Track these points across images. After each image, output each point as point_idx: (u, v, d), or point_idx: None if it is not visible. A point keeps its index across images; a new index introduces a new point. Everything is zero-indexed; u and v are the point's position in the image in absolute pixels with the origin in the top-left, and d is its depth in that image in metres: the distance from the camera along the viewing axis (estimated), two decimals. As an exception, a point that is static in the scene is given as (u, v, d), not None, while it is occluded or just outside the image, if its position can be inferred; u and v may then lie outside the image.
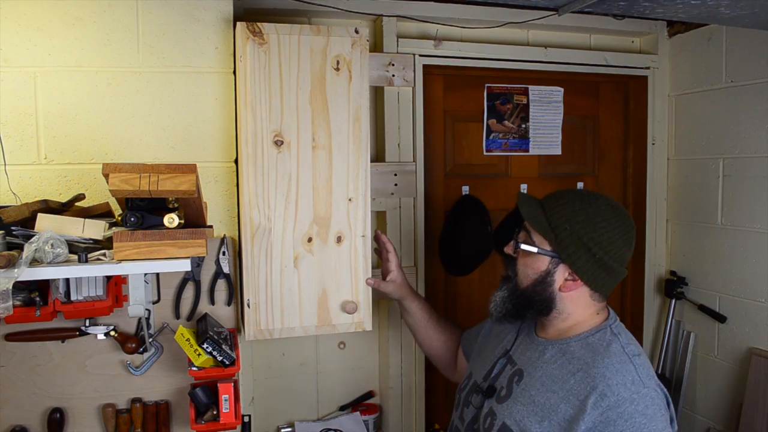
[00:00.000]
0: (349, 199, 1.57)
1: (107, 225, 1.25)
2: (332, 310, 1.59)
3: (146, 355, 1.56)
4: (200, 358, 1.45)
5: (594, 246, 1.20)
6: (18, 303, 1.32)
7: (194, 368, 1.47)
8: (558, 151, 2.33)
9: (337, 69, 1.54)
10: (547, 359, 1.24)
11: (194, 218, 1.31)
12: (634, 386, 1.12)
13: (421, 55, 2.03)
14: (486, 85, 2.22)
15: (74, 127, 1.52)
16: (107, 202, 1.42)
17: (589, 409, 1.10)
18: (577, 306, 1.25)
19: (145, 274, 1.45)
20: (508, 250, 1.32)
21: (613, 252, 1.22)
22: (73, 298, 1.35)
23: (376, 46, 2.01)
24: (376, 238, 1.68)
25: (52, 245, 1.13)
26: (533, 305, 1.26)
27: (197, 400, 1.50)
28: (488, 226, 2.16)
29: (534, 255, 1.25)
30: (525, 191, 2.29)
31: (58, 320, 1.47)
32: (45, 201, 1.29)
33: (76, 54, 1.51)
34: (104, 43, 1.52)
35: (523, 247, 1.26)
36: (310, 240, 1.55)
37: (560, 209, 1.24)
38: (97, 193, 1.51)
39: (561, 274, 1.24)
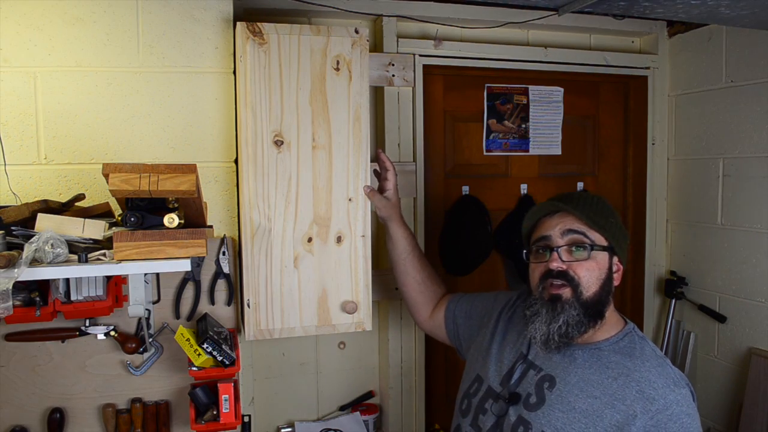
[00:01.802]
0: (349, 199, 1.57)
1: (107, 225, 1.25)
2: (332, 310, 1.59)
3: (146, 355, 1.56)
4: (200, 358, 1.45)
5: (626, 231, 1.32)
6: (18, 303, 1.32)
7: (194, 368, 1.47)
8: (558, 151, 2.33)
9: (337, 69, 1.54)
10: (580, 364, 1.22)
11: (194, 218, 1.31)
12: (677, 388, 1.14)
13: (421, 55, 2.03)
14: (486, 85, 2.22)
15: (74, 127, 1.52)
16: (107, 202, 1.42)
17: (639, 413, 1.11)
18: (611, 299, 1.28)
19: (145, 274, 1.45)
20: (559, 263, 1.23)
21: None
22: (73, 298, 1.35)
23: (376, 46, 2.01)
24: (376, 157, 1.65)
25: (52, 245, 1.13)
26: (601, 309, 1.23)
27: (197, 400, 1.50)
28: (488, 226, 2.16)
29: (596, 255, 1.23)
30: (525, 191, 2.29)
31: (58, 320, 1.47)
32: (45, 201, 1.29)
33: (76, 54, 1.51)
34: (104, 43, 1.53)
35: (595, 251, 1.23)
36: (310, 240, 1.55)
37: (593, 206, 1.27)
38: (97, 193, 1.51)
39: (613, 266, 1.27)
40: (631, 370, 1.17)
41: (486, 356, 1.40)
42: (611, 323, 1.26)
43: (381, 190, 1.63)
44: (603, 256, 1.24)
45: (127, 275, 1.42)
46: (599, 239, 1.24)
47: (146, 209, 1.19)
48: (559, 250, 1.23)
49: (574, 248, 1.23)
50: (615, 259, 1.27)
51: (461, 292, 1.66)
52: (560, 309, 1.21)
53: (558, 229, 1.24)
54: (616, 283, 1.27)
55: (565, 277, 1.22)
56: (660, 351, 1.24)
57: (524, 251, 1.32)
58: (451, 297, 1.63)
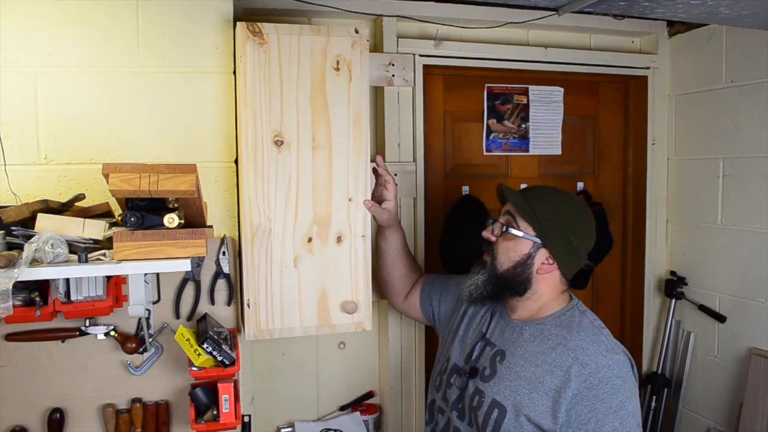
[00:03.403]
0: (349, 199, 1.57)
1: (107, 225, 1.25)
2: (332, 310, 1.59)
3: (146, 355, 1.56)
4: (200, 358, 1.45)
5: (572, 235, 1.37)
6: (18, 303, 1.32)
7: (194, 368, 1.47)
8: (558, 151, 2.33)
9: (337, 69, 1.54)
10: (526, 338, 1.37)
11: (194, 218, 1.31)
12: (609, 354, 1.27)
13: (421, 55, 2.03)
14: (486, 85, 2.22)
15: (74, 127, 1.52)
16: (107, 202, 1.42)
17: (573, 377, 1.24)
18: (548, 287, 1.40)
19: (145, 274, 1.45)
20: (488, 234, 1.42)
21: (586, 242, 1.40)
22: (73, 298, 1.35)
23: (376, 46, 2.01)
24: (376, 163, 1.68)
25: (52, 245, 1.13)
26: (512, 285, 1.40)
27: (197, 400, 1.50)
28: (488, 226, 2.16)
29: (517, 239, 1.38)
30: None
31: (58, 320, 1.47)
32: (45, 201, 1.29)
33: (76, 54, 1.51)
34: (104, 43, 1.52)
35: (512, 231, 1.38)
36: (310, 240, 1.55)
37: (543, 200, 1.39)
38: (97, 193, 1.51)
39: (540, 258, 1.38)
40: (567, 339, 1.30)
41: (454, 337, 1.55)
42: (558, 302, 1.41)
43: (381, 199, 1.66)
44: (524, 243, 1.37)
45: (127, 275, 1.42)
46: (526, 228, 1.37)
47: (146, 209, 1.19)
48: (495, 224, 1.42)
49: (502, 227, 1.40)
50: (544, 254, 1.37)
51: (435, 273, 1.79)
52: (477, 271, 1.43)
53: (503, 209, 1.44)
54: (542, 274, 1.38)
55: (490, 246, 1.42)
56: (599, 322, 1.37)
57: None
58: (425, 279, 1.78)
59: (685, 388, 2.34)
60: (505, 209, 1.43)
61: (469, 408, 1.37)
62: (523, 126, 2.27)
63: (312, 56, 1.52)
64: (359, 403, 2.11)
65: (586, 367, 1.24)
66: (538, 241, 1.37)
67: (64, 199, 1.44)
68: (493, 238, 1.41)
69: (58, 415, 1.51)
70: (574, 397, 1.23)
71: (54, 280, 1.34)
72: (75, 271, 1.15)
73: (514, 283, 1.39)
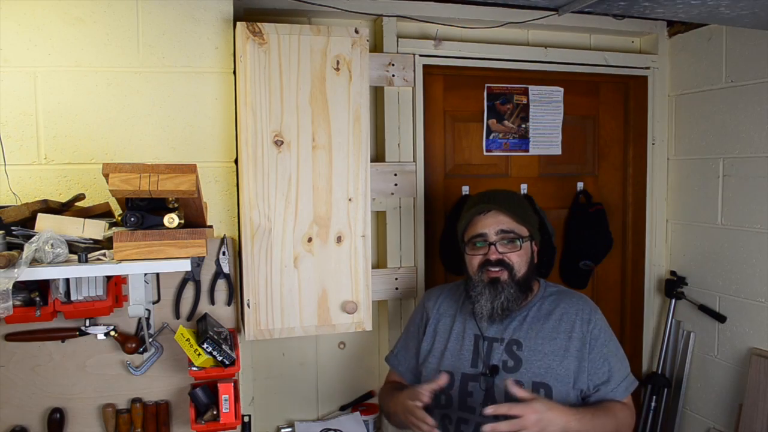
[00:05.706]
0: (349, 199, 1.57)
1: (107, 225, 1.25)
2: (332, 310, 1.59)
3: (146, 355, 1.57)
4: (200, 358, 1.45)
5: (543, 220, 1.65)
6: (18, 303, 1.32)
7: (194, 368, 1.47)
8: (558, 151, 2.33)
9: (337, 69, 1.54)
10: (530, 321, 1.51)
11: (194, 218, 1.31)
12: (596, 308, 1.53)
13: (421, 55, 2.03)
14: (486, 85, 2.22)
15: (74, 127, 1.52)
16: (107, 202, 1.43)
17: (585, 334, 1.47)
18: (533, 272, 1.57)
19: (145, 274, 1.45)
20: (497, 255, 1.47)
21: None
22: (73, 298, 1.35)
23: (376, 46, 2.01)
24: None
25: (52, 245, 1.13)
26: (529, 284, 1.53)
27: (197, 400, 1.50)
28: (488, 226, 2.16)
29: (523, 244, 1.50)
30: (525, 191, 2.28)
31: (58, 320, 1.47)
32: (45, 201, 1.29)
33: (76, 54, 1.51)
34: (104, 43, 1.53)
35: (527, 242, 1.51)
36: (310, 240, 1.55)
37: (516, 203, 1.54)
38: (97, 193, 1.51)
39: (533, 248, 1.55)
40: (566, 308, 1.51)
41: (443, 354, 1.54)
42: (534, 285, 1.57)
43: None
44: (527, 244, 1.52)
45: (127, 275, 1.42)
46: (524, 231, 1.51)
47: (146, 209, 1.19)
48: (496, 244, 1.48)
49: (506, 242, 1.49)
50: (533, 243, 1.55)
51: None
52: (500, 288, 1.47)
53: (492, 228, 1.49)
54: (535, 261, 1.56)
55: (502, 263, 1.48)
56: (561, 285, 1.63)
57: (462, 245, 1.55)
58: (391, 362, 1.70)
59: (685, 388, 2.34)
60: (497, 228, 1.48)
61: (507, 402, 1.34)
62: (523, 126, 2.27)
63: (312, 56, 1.52)
64: (359, 403, 2.11)
65: (590, 323, 1.48)
66: (532, 238, 1.53)
67: (64, 199, 1.44)
68: (501, 257, 1.48)
69: (58, 415, 1.51)
70: (589, 348, 1.45)
71: (54, 280, 1.34)
72: (75, 271, 1.15)
73: (530, 281, 1.53)
